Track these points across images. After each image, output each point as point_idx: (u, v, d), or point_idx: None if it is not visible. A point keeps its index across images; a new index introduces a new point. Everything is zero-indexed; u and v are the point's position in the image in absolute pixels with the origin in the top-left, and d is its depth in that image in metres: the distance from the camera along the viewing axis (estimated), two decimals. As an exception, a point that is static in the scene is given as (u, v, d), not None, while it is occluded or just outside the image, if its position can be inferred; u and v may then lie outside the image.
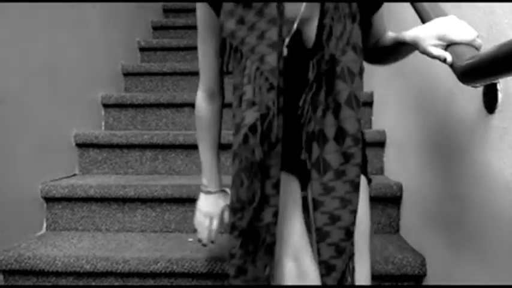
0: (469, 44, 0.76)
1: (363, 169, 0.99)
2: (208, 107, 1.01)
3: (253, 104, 0.76)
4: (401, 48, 0.89)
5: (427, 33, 0.78)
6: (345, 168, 0.77)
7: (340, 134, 0.77)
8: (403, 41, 0.85)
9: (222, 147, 1.83)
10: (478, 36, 0.77)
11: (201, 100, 1.01)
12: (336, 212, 0.76)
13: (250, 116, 0.75)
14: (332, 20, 0.79)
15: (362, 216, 0.89)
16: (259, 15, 0.79)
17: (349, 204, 0.77)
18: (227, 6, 0.81)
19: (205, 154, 1.05)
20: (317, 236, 0.78)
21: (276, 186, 0.78)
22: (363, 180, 0.95)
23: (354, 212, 0.77)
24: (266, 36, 0.78)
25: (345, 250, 0.76)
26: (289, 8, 0.84)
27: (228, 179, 1.70)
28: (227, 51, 0.82)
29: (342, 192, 0.77)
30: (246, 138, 0.76)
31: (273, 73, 0.76)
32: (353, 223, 0.77)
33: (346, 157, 0.77)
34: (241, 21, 0.80)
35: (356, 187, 0.78)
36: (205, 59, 0.94)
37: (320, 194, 0.78)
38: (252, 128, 0.75)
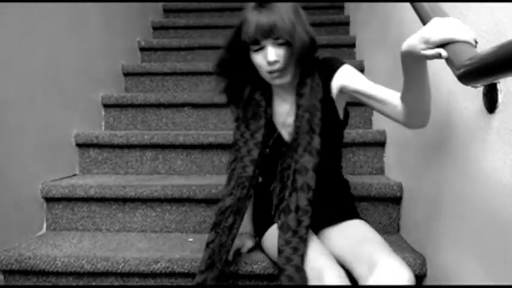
0: (456, 41, 0.77)
1: (356, 215, 1.32)
2: None
3: (231, 194, 1.20)
4: (408, 73, 0.93)
5: (416, 40, 0.83)
6: (298, 228, 1.10)
7: (297, 208, 1.11)
8: (401, 57, 0.90)
9: (222, 147, 1.84)
10: (463, 31, 0.77)
11: None
12: (290, 256, 1.07)
13: (228, 201, 1.19)
14: (298, 136, 1.16)
15: (367, 233, 1.18)
16: (252, 137, 1.21)
17: (298, 250, 1.07)
18: (238, 121, 1.25)
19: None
20: (278, 272, 1.08)
21: (233, 238, 1.18)
22: (358, 222, 1.27)
23: (302, 256, 1.07)
24: (251, 153, 1.20)
25: (293, 279, 1.05)
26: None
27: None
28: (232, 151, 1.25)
29: (294, 243, 1.08)
30: (223, 212, 1.18)
31: (247, 179, 1.19)
32: (301, 262, 1.06)
33: (299, 222, 1.10)
34: (242, 135, 1.23)
35: (304, 240, 1.09)
36: None
37: (282, 245, 1.09)
38: (228, 207, 1.19)
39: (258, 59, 1.13)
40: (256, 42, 1.10)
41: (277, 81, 1.15)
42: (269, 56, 1.09)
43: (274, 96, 1.27)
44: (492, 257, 0.94)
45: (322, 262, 1.05)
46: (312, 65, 1.20)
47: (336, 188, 1.33)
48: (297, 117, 1.18)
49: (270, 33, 1.07)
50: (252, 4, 1.12)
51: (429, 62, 0.90)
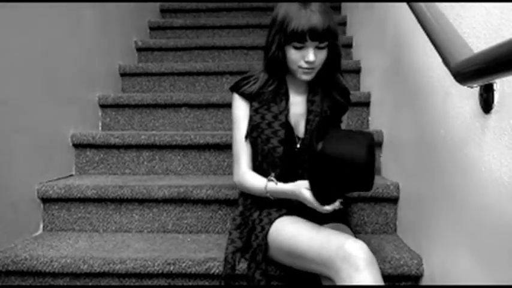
0: None
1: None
2: (254, 178, 1.27)
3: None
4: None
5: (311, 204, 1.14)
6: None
7: None
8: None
9: (219, 147, 1.84)
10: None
11: (249, 176, 1.27)
12: None
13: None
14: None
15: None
16: (275, 118, 1.24)
17: None
18: (255, 104, 1.25)
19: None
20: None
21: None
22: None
23: None
24: (278, 134, 1.23)
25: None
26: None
27: (227, 179, 1.69)
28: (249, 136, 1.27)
29: None
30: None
31: (279, 159, 1.23)
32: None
33: None
34: (263, 118, 1.24)
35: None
36: (241, 145, 1.28)
37: None
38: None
39: (295, 54, 1.15)
40: (302, 42, 1.12)
41: (304, 77, 1.18)
42: (310, 57, 1.13)
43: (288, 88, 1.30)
44: (489, 256, 0.94)
45: (343, 238, 1.04)
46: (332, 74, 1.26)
47: None
48: (308, 121, 1.26)
49: (321, 38, 1.11)
50: (297, 3, 1.12)
51: (426, 62, 0.90)
